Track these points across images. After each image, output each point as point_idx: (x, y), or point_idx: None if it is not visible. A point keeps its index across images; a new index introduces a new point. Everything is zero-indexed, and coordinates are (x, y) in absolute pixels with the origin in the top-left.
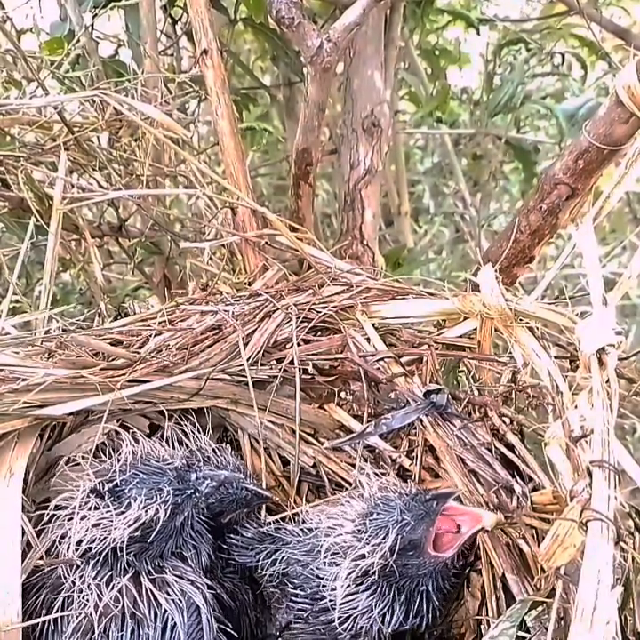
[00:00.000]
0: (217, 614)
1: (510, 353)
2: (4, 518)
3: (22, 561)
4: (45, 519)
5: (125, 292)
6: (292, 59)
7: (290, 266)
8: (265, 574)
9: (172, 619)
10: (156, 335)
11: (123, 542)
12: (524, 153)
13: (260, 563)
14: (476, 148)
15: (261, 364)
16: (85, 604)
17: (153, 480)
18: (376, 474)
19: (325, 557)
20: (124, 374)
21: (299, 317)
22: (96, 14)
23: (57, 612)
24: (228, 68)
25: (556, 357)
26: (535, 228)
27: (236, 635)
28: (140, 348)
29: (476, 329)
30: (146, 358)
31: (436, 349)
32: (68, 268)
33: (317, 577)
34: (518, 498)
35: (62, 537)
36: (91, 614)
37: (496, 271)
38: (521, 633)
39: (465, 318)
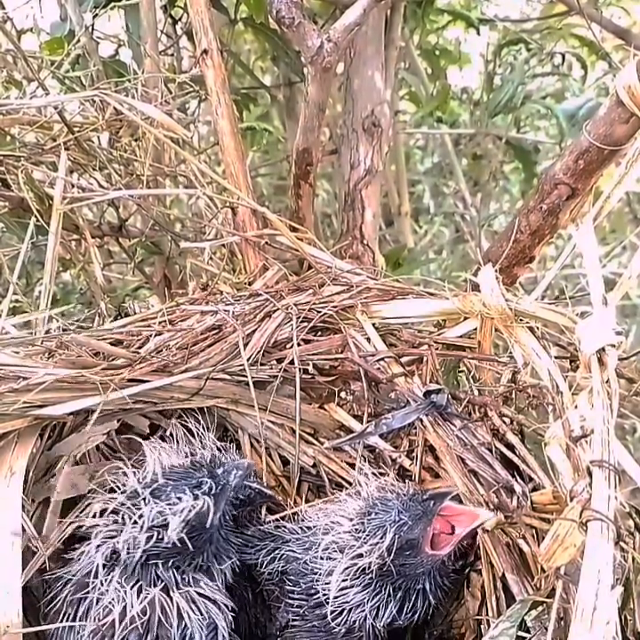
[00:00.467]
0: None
1: (510, 353)
2: (4, 518)
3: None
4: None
5: (125, 291)
6: (292, 59)
7: (290, 266)
8: (264, 572)
9: (192, 636)
10: (156, 335)
11: (162, 549)
12: (525, 153)
13: (259, 560)
14: (476, 148)
15: (261, 364)
16: (110, 610)
17: (191, 477)
18: (374, 474)
19: (322, 554)
20: (123, 374)
21: (299, 317)
22: (96, 14)
23: (77, 611)
24: (229, 68)
25: (556, 357)
26: (535, 228)
27: None
28: (140, 347)
29: (476, 329)
30: (146, 358)
31: (436, 349)
32: (68, 267)
33: (312, 572)
34: (518, 498)
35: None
36: (114, 622)
37: (496, 271)
38: (521, 633)
39: (465, 318)
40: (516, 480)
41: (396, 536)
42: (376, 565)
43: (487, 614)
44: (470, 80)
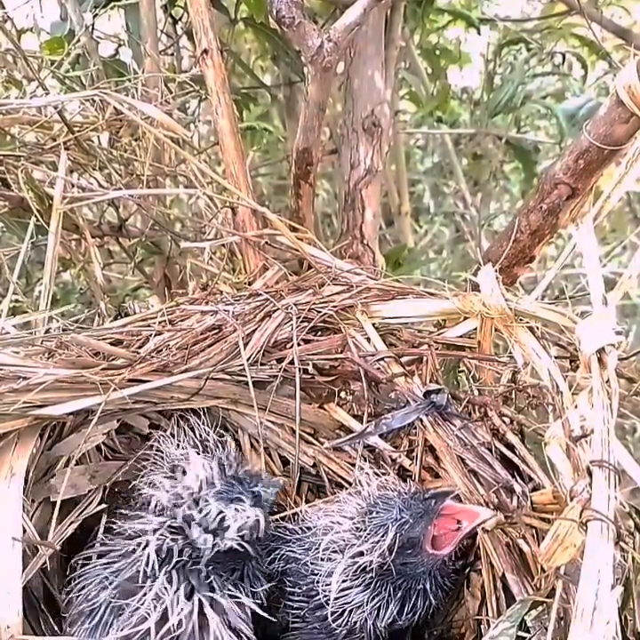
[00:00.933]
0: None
1: (510, 353)
2: (4, 518)
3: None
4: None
5: (125, 291)
6: (292, 58)
7: (290, 266)
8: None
9: None
10: (156, 335)
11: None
12: (525, 153)
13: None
14: (476, 148)
15: (261, 364)
16: (145, 617)
17: (230, 491)
18: (375, 473)
19: (322, 554)
20: (123, 374)
21: (299, 317)
22: (96, 14)
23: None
24: (229, 68)
25: (556, 357)
26: (535, 228)
27: None
28: (140, 347)
29: (476, 329)
30: (146, 358)
31: (436, 349)
32: (68, 267)
33: (312, 573)
34: (518, 498)
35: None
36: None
37: (496, 271)
38: (521, 633)
39: (465, 318)
40: (516, 480)
41: (398, 534)
42: (377, 564)
43: (487, 614)
44: (470, 80)
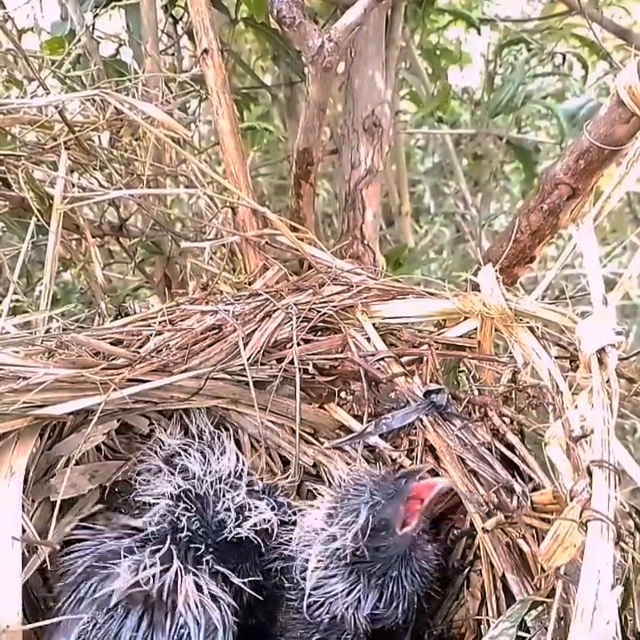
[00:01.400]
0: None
1: (510, 353)
2: (4, 517)
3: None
4: None
5: (126, 291)
6: (292, 58)
7: (290, 266)
8: (268, 576)
9: (188, 634)
10: (156, 335)
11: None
12: (525, 153)
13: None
14: (476, 148)
15: (261, 364)
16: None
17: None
18: (346, 462)
19: (299, 544)
20: (124, 374)
21: (299, 317)
22: (97, 14)
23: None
24: (229, 68)
25: (556, 357)
26: (536, 228)
27: None
28: (140, 347)
29: (476, 329)
30: (146, 358)
31: (437, 349)
32: (68, 267)
33: (300, 563)
34: (518, 498)
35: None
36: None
37: (496, 271)
38: (521, 633)
39: (465, 318)
40: (516, 480)
41: (370, 515)
42: (350, 549)
43: (487, 614)
44: (471, 80)
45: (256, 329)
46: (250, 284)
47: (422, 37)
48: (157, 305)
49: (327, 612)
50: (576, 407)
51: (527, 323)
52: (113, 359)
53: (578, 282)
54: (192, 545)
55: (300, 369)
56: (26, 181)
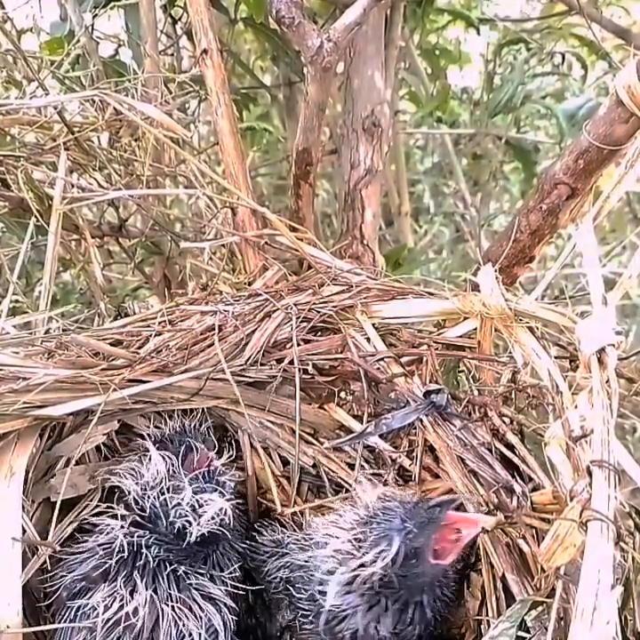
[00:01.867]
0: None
1: (510, 353)
2: (4, 518)
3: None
4: None
5: (125, 291)
6: (292, 58)
7: (290, 266)
8: (272, 580)
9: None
10: (155, 335)
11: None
12: (525, 153)
13: (267, 568)
14: (476, 148)
15: (261, 364)
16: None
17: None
18: (373, 481)
19: (323, 566)
20: (123, 374)
21: (299, 317)
22: (96, 14)
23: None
24: (228, 68)
25: (556, 357)
26: (535, 228)
27: None
28: (139, 348)
29: (476, 329)
30: (146, 358)
31: (436, 349)
32: (68, 267)
33: (317, 583)
34: (518, 498)
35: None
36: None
37: (496, 271)
38: (521, 633)
39: (465, 318)
40: (516, 480)
41: (403, 544)
42: (378, 576)
43: (487, 614)
44: (470, 80)
45: (256, 329)
46: (249, 284)
47: (421, 37)
48: (157, 305)
49: (348, 628)
50: (576, 407)
51: (527, 323)
52: (113, 360)
53: (577, 282)
54: (162, 564)
55: (299, 369)
56: (25, 182)
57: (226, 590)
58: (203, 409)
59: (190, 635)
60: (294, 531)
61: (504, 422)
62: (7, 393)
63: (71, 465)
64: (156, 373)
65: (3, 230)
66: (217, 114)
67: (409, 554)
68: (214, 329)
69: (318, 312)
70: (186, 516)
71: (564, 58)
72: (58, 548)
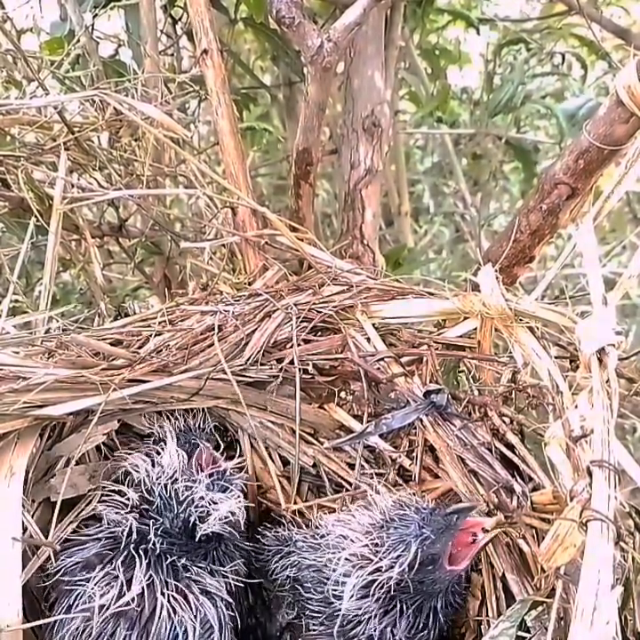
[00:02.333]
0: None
1: (510, 353)
2: (4, 517)
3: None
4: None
5: (125, 291)
6: (292, 58)
7: (290, 266)
8: (277, 578)
9: (185, 631)
10: (155, 335)
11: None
12: (525, 153)
13: (272, 566)
14: (476, 148)
15: (261, 364)
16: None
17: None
18: (388, 487)
19: (338, 570)
20: (123, 374)
21: (299, 317)
22: (96, 14)
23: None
24: (229, 68)
25: (556, 357)
26: (535, 228)
27: None
28: (140, 347)
29: (475, 329)
30: (146, 358)
31: (436, 349)
32: (68, 267)
33: (331, 582)
34: (518, 498)
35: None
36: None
37: (496, 271)
38: (521, 633)
39: (465, 318)
40: (516, 480)
41: (419, 550)
42: (394, 581)
43: (487, 614)
44: (470, 80)
45: (256, 329)
46: (250, 284)
47: (421, 37)
48: (157, 305)
49: (363, 632)
50: (576, 407)
51: (527, 323)
52: (113, 359)
53: (578, 282)
54: (162, 556)
55: (299, 369)
56: (25, 182)
57: (225, 586)
58: (203, 409)
59: (184, 627)
60: (299, 529)
61: (504, 422)
62: (7, 393)
63: (71, 465)
64: (156, 373)
65: (3, 230)
66: (217, 114)
67: (426, 560)
68: (214, 329)
69: (318, 312)
70: (195, 512)
71: (563, 58)
72: (58, 548)
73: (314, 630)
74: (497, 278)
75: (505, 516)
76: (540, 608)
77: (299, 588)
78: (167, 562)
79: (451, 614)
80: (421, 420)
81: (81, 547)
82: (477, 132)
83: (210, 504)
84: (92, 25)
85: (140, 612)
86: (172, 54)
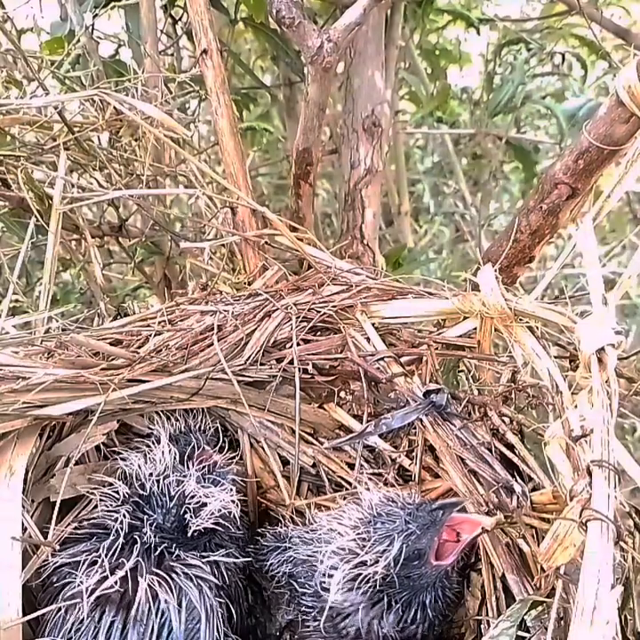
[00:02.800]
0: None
1: (510, 353)
2: (4, 517)
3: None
4: None
5: (125, 291)
6: (292, 58)
7: (290, 266)
8: (274, 575)
9: (170, 622)
10: (155, 335)
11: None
12: (525, 153)
13: (269, 562)
14: (476, 148)
15: (261, 364)
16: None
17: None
18: (376, 481)
19: (326, 563)
20: (123, 374)
21: (298, 317)
22: (96, 14)
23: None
24: (229, 68)
25: (555, 357)
26: (535, 228)
27: None
28: (139, 347)
29: (475, 329)
30: (145, 358)
31: (436, 349)
32: (68, 267)
33: (321, 574)
34: (518, 498)
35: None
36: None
37: (496, 271)
38: (521, 633)
39: (465, 318)
40: (516, 480)
41: (404, 545)
42: (380, 575)
43: (487, 614)
44: (470, 80)
45: (256, 329)
46: (249, 284)
47: (422, 37)
48: (157, 305)
49: (352, 625)
50: (576, 407)
51: (527, 322)
52: (112, 359)
53: (577, 281)
54: (156, 546)
55: (299, 369)
56: (25, 182)
57: (212, 570)
58: (203, 409)
59: (167, 611)
60: (296, 526)
61: (504, 422)
62: (7, 393)
63: (71, 465)
64: (155, 373)
65: (3, 230)
66: (217, 114)
67: (411, 555)
68: (214, 329)
69: (318, 312)
70: (187, 507)
71: (564, 58)
72: (57, 548)
73: (308, 627)
74: (497, 278)
75: (505, 515)
76: (539, 608)
77: (294, 583)
78: (156, 552)
79: (441, 609)
80: (421, 420)
81: (72, 543)
82: (477, 131)
83: (201, 499)
84: (93, 25)
85: (121, 596)
86: (172, 54)
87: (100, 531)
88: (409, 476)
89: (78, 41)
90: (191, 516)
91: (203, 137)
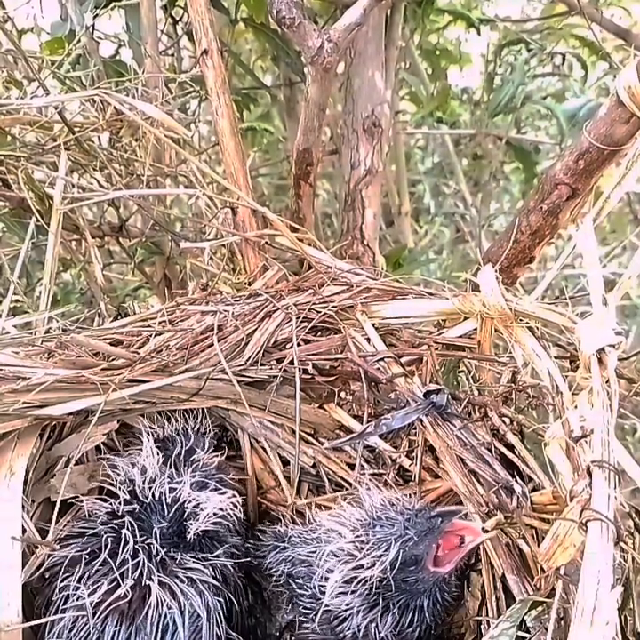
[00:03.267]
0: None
1: (510, 353)
2: (4, 517)
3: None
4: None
5: (126, 291)
6: (292, 59)
7: (290, 266)
8: (273, 574)
9: (174, 623)
10: (156, 335)
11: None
12: (525, 153)
13: (268, 562)
14: (476, 149)
15: (261, 364)
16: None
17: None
18: (377, 485)
19: (323, 563)
20: (124, 374)
21: (299, 317)
22: (97, 14)
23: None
24: (229, 68)
25: (556, 357)
26: (536, 229)
27: None
28: (140, 347)
29: (476, 329)
30: (146, 358)
31: (436, 349)
32: (68, 267)
33: (319, 578)
34: (518, 498)
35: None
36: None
37: (496, 271)
38: (521, 633)
39: (465, 318)
40: (516, 480)
41: (401, 551)
42: (377, 579)
43: (487, 614)
44: (471, 80)
45: (256, 329)
46: (250, 284)
47: (422, 37)
48: (157, 305)
49: (349, 628)
50: (576, 407)
51: (527, 323)
52: (113, 359)
53: (578, 282)
54: (157, 551)
55: (299, 369)
56: (26, 182)
57: (210, 571)
58: (203, 409)
59: (172, 618)
60: (296, 525)
61: (504, 422)
62: (7, 393)
63: (71, 465)
64: (156, 373)
65: (3, 230)
66: (217, 114)
67: (408, 560)
68: (214, 329)
69: (318, 312)
70: (184, 510)
71: (564, 58)
72: (57, 548)
73: (307, 628)
74: (497, 279)
75: (505, 516)
76: (540, 608)
77: (292, 583)
78: (158, 558)
79: (439, 612)
80: (421, 421)
81: (65, 543)
82: (478, 132)
83: (198, 502)
84: (93, 25)
85: (128, 606)
86: (173, 54)
87: (93, 531)
88: (409, 476)
89: (79, 41)
90: (189, 520)
91: (203, 137)
